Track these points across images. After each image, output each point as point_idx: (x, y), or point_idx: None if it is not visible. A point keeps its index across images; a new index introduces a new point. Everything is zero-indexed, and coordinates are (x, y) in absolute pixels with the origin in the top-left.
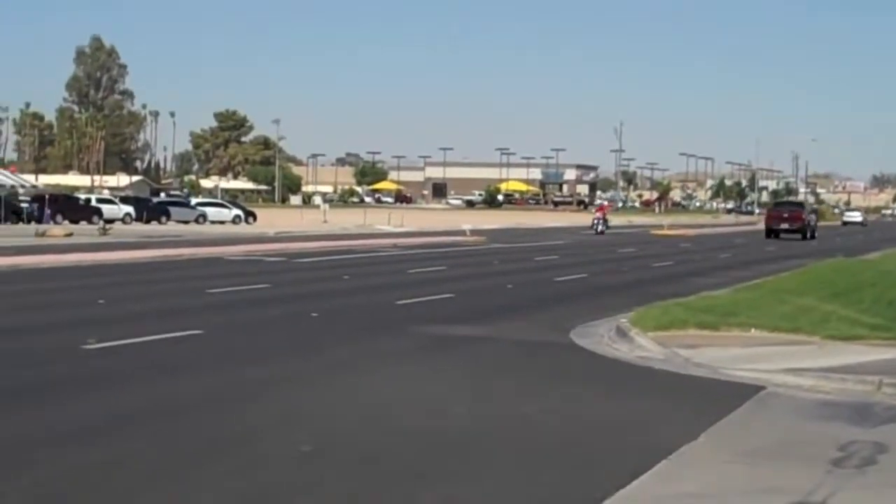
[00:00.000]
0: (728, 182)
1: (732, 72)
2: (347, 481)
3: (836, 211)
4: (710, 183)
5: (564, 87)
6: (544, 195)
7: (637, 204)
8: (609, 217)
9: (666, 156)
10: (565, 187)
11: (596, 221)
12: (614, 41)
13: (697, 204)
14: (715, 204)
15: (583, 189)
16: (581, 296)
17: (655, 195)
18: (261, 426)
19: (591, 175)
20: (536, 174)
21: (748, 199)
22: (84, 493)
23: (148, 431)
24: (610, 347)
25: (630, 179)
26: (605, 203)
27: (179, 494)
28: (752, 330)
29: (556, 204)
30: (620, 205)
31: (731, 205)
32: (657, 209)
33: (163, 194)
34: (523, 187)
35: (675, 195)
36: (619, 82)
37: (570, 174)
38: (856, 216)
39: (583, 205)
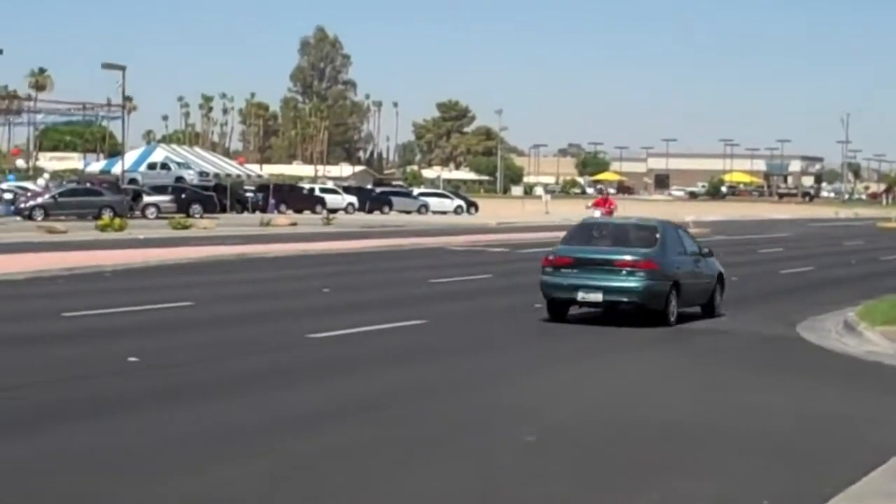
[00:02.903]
0: None
1: None
2: (571, 472)
3: None
4: None
5: (790, 78)
6: (768, 187)
7: (863, 196)
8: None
9: (894, 147)
10: (790, 179)
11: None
12: (840, 31)
13: None
14: None
15: (808, 180)
16: (807, 289)
17: (882, 187)
18: (485, 416)
19: (817, 166)
20: (761, 165)
21: None
22: (315, 478)
23: (374, 419)
24: (838, 342)
25: (856, 171)
26: (608, 194)
27: (408, 481)
28: None
29: (780, 196)
30: (847, 197)
31: None
32: (884, 201)
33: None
34: (747, 178)
35: None
36: (846, 72)
37: (795, 165)
38: None
39: (808, 196)
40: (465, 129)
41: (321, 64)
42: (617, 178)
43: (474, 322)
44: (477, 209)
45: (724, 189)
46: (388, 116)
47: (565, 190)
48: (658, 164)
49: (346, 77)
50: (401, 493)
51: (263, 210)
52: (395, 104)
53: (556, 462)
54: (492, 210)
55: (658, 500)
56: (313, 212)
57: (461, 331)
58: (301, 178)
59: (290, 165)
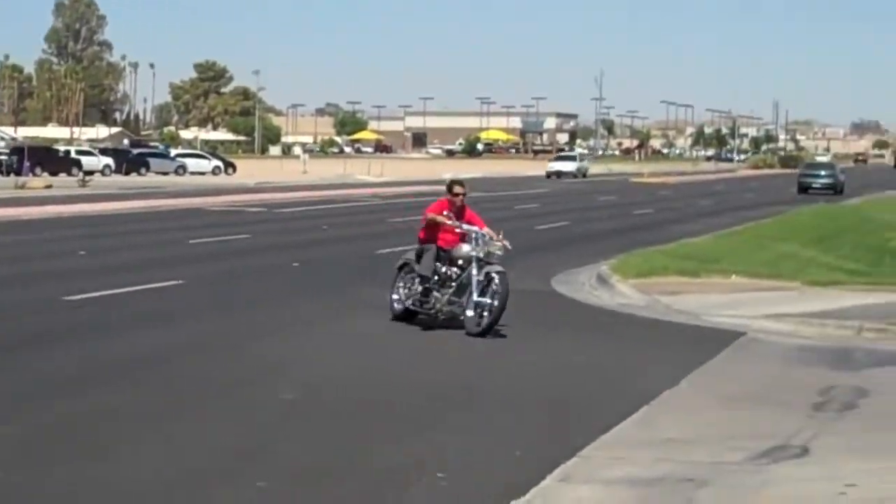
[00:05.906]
0: (708, 130)
1: (712, 19)
2: (328, 429)
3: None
4: (689, 131)
5: (545, 36)
6: (524, 144)
7: (617, 152)
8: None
9: (646, 104)
10: (545, 136)
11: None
12: None
13: (677, 152)
14: (695, 152)
15: (563, 137)
16: (562, 244)
17: (635, 143)
18: (242, 375)
19: (572, 124)
20: (517, 123)
21: (728, 147)
22: (72, 440)
23: (131, 381)
24: (591, 294)
25: (609, 128)
26: (462, 197)
27: (163, 442)
28: (733, 276)
29: (535, 153)
30: (600, 153)
31: (710, 152)
32: (637, 157)
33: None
34: (503, 136)
35: (655, 143)
36: (600, 30)
37: (551, 123)
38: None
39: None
40: (223, 90)
41: (76, 25)
42: (375, 136)
43: (232, 281)
44: (235, 170)
45: (480, 147)
46: (145, 77)
47: (323, 149)
48: (416, 122)
49: (101, 38)
50: (159, 452)
51: (18, 173)
52: (152, 65)
53: (318, 419)
54: (250, 170)
55: (419, 451)
56: (69, 174)
57: (219, 290)
58: (57, 141)
59: (46, 128)
